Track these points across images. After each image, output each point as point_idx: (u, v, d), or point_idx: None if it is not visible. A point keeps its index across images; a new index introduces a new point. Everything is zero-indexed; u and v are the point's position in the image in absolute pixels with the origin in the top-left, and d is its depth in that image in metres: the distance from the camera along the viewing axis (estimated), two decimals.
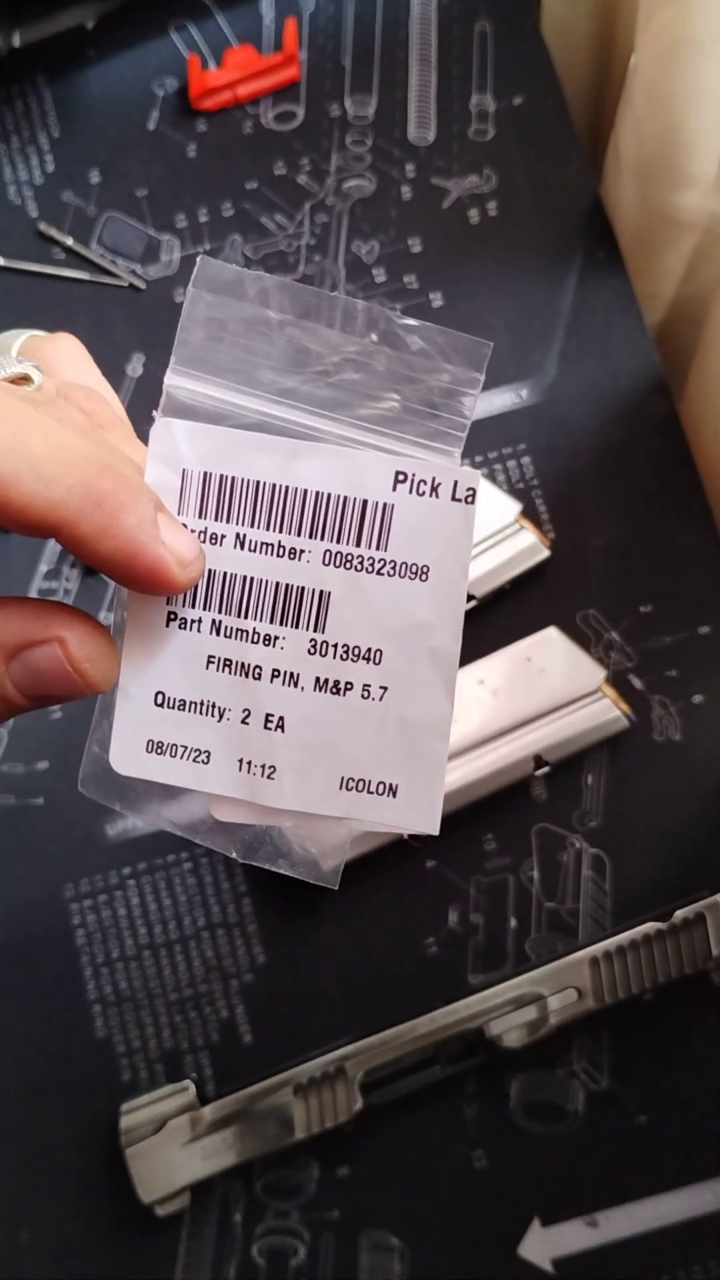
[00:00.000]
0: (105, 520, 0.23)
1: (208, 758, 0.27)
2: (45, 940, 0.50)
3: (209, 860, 0.50)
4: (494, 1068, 0.48)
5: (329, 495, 0.25)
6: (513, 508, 0.50)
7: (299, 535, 0.25)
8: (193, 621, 0.26)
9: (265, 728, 0.26)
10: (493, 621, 0.51)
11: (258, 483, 0.25)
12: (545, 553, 0.50)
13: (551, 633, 0.50)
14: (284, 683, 0.26)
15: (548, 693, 0.49)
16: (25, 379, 0.26)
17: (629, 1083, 0.48)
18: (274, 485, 0.25)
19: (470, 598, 0.50)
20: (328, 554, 0.25)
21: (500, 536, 0.50)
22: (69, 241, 0.57)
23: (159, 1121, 0.46)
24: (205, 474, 0.25)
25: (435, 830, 0.26)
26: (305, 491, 0.25)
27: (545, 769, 0.48)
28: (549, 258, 0.56)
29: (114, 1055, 0.49)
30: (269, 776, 0.27)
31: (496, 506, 0.51)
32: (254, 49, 0.58)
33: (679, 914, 0.46)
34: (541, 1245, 0.47)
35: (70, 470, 0.22)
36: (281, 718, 0.26)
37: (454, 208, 0.57)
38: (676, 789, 0.50)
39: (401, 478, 0.25)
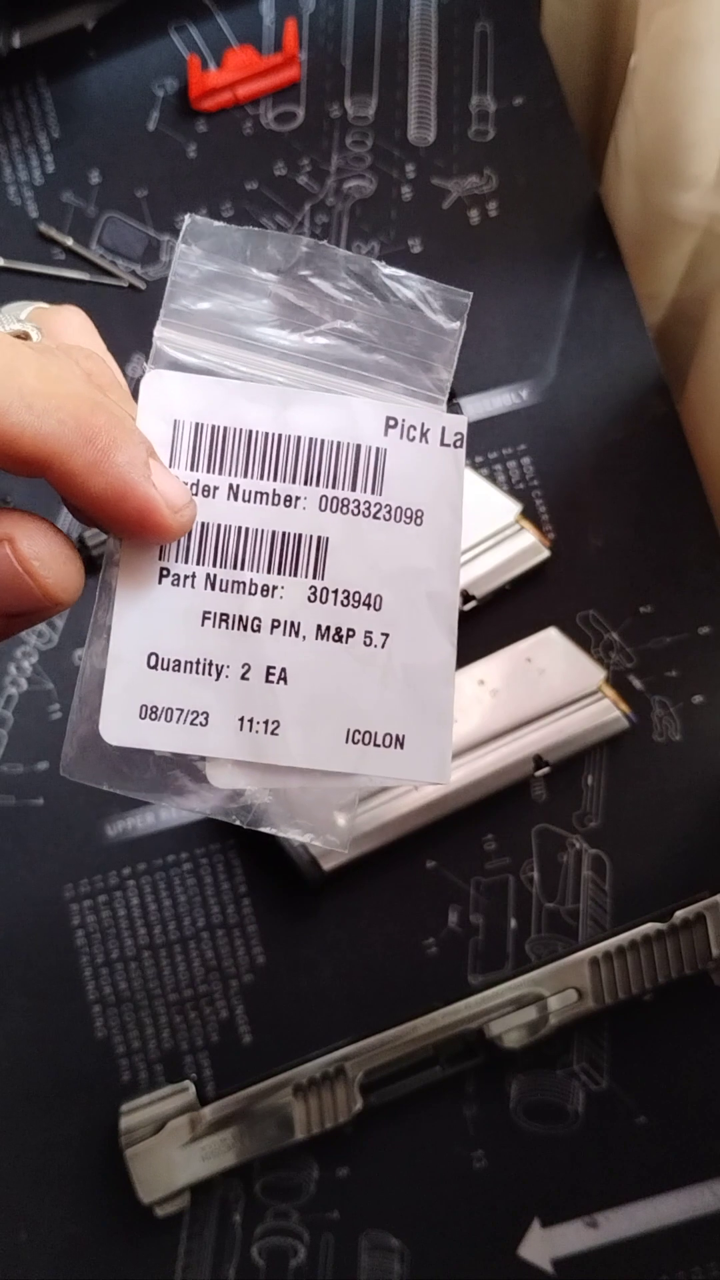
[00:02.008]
0: (96, 456, 0.22)
1: (206, 719, 0.26)
2: (45, 941, 0.50)
3: (209, 860, 0.50)
4: (494, 1068, 0.48)
5: (323, 441, 0.26)
6: (513, 508, 0.50)
7: (294, 482, 0.26)
8: (186, 577, 0.26)
9: (267, 681, 0.26)
10: (493, 621, 0.51)
11: (250, 432, 0.25)
12: (545, 553, 0.50)
13: (551, 633, 0.50)
14: (285, 632, 0.26)
15: (548, 693, 0.49)
16: (25, 336, 0.26)
17: (629, 1083, 0.48)
18: (267, 434, 0.25)
19: (470, 598, 0.50)
20: (324, 499, 0.26)
21: (500, 536, 0.50)
22: (69, 242, 0.57)
23: (159, 1122, 0.46)
24: (197, 425, 0.26)
25: (446, 780, 0.26)
26: (299, 439, 0.26)
27: (545, 769, 0.48)
28: (549, 258, 0.56)
29: (114, 1056, 0.49)
30: (273, 733, 0.26)
31: (496, 506, 0.51)
32: (254, 49, 0.58)
33: (679, 914, 0.46)
34: (541, 1245, 0.47)
35: (63, 404, 0.22)
36: (284, 669, 0.26)
37: (454, 208, 0.57)
38: (676, 789, 0.50)
39: (392, 423, 0.26)
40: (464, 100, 0.58)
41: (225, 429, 0.25)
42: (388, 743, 0.26)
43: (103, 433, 0.22)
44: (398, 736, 0.26)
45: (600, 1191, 0.47)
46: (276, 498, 0.26)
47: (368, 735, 0.26)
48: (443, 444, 0.26)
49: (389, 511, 0.26)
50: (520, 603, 0.51)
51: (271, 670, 0.26)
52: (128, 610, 0.26)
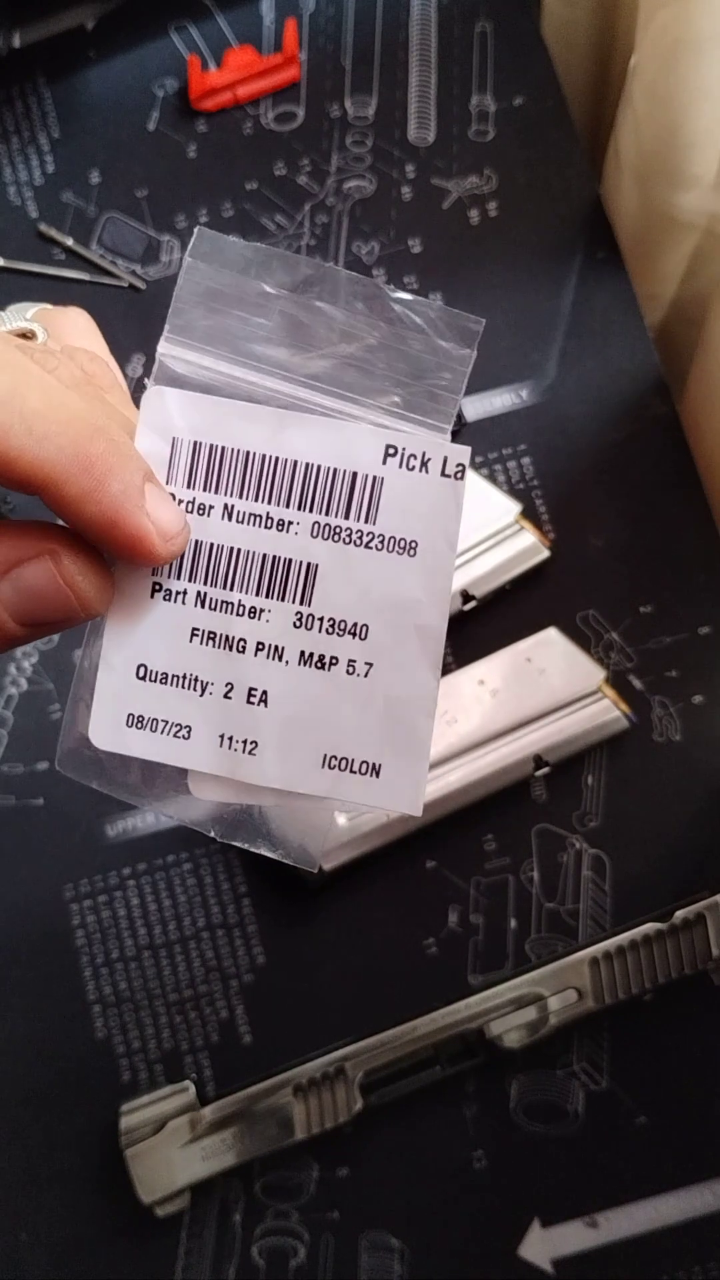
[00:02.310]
0: (91, 485, 0.22)
1: (189, 733, 0.26)
2: (45, 940, 0.50)
3: (209, 861, 0.50)
4: (494, 1068, 0.48)
5: (318, 467, 0.25)
6: (513, 508, 0.50)
7: (287, 507, 0.25)
8: (178, 593, 0.26)
9: (248, 702, 0.26)
10: (493, 621, 0.51)
11: (247, 453, 0.25)
12: (545, 553, 0.50)
13: (551, 633, 0.50)
14: (268, 656, 0.26)
15: (548, 693, 0.49)
16: (30, 335, 0.26)
17: (629, 1083, 0.48)
18: (263, 456, 0.25)
19: (470, 598, 0.50)
20: (316, 526, 0.25)
21: (500, 536, 0.50)
22: (69, 242, 0.57)
23: (159, 1122, 0.46)
24: (195, 444, 0.25)
25: (418, 813, 0.26)
26: (295, 463, 0.25)
27: (545, 769, 0.48)
28: (549, 258, 0.56)
29: (114, 1056, 0.49)
30: (250, 752, 0.26)
31: (496, 506, 0.51)
32: (254, 50, 0.58)
33: (679, 914, 0.46)
34: (541, 1245, 0.47)
35: (63, 430, 0.22)
36: (265, 692, 0.26)
37: (454, 208, 0.57)
38: (676, 789, 0.50)
39: (392, 451, 0.25)
40: (464, 100, 0.58)
41: (223, 449, 0.25)
42: (364, 770, 0.26)
43: (99, 461, 0.22)
44: (374, 765, 0.26)
45: (600, 1191, 0.47)
46: (269, 521, 0.25)
47: (344, 761, 0.26)
48: (443, 475, 0.25)
49: (382, 541, 0.25)
50: (520, 603, 0.51)
51: (253, 692, 0.26)
52: (120, 622, 0.26)
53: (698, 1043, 0.48)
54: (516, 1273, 0.46)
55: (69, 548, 0.23)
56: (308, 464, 0.25)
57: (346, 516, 0.25)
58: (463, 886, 0.50)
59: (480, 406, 0.54)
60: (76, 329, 0.28)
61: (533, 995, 0.46)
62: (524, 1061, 0.48)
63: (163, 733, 0.26)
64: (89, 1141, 0.48)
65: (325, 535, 0.25)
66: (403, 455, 0.25)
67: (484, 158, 0.57)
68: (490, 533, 0.50)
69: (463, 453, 0.25)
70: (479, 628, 0.51)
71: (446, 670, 0.50)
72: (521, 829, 0.50)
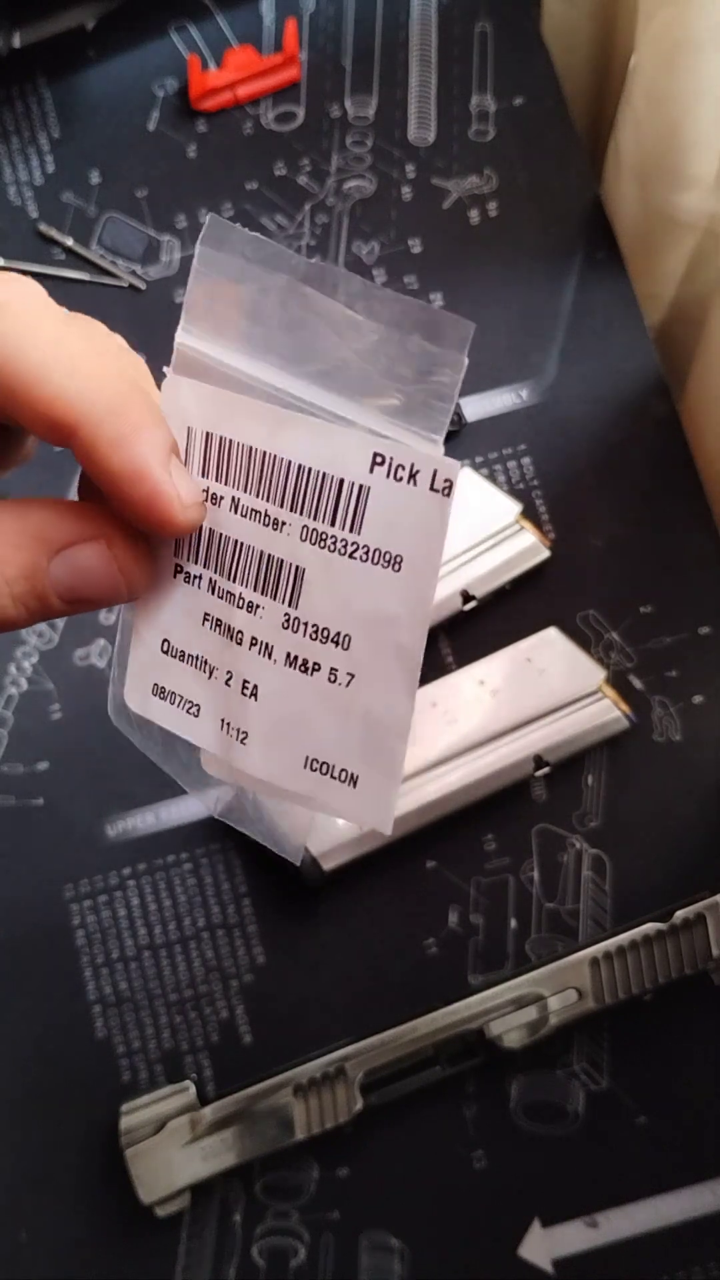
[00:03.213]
0: (124, 431, 0.23)
1: (197, 711, 0.27)
2: (45, 940, 0.50)
3: (209, 860, 0.50)
4: (494, 1068, 0.48)
5: (309, 470, 0.25)
6: (513, 508, 0.50)
7: (281, 506, 0.25)
8: (195, 577, 0.26)
9: (242, 693, 0.26)
10: (493, 621, 0.51)
11: (250, 449, 0.25)
12: (545, 553, 0.50)
13: (551, 633, 0.50)
14: (259, 652, 0.26)
15: (548, 693, 0.49)
16: None
17: (629, 1083, 0.48)
18: (264, 454, 0.25)
19: (470, 598, 0.50)
20: (305, 529, 0.25)
21: (500, 536, 0.50)
22: (69, 242, 0.57)
23: (159, 1122, 0.46)
24: (207, 434, 0.25)
25: (388, 831, 0.26)
26: (289, 463, 0.25)
27: (545, 769, 0.48)
28: (549, 258, 0.56)
29: (114, 1056, 0.49)
30: (242, 741, 0.27)
31: (496, 506, 0.51)
32: (254, 49, 0.58)
33: (679, 914, 0.46)
34: (541, 1245, 0.47)
35: (103, 379, 0.22)
36: (256, 686, 0.26)
37: (454, 208, 0.57)
38: (676, 789, 0.50)
39: (379, 460, 0.24)
40: (464, 100, 0.58)
41: (231, 442, 0.25)
42: (343, 778, 0.26)
43: (135, 412, 0.23)
44: (353, 775, 0.26)
45: (600, 1191, 0.47)
46: (267, 519, 0.25)
47: (325, 766, 0.26)
48: (432, 489, 0.24)
49: (366, 553, 0.24)
50: (520, 603, 0.51)
51: (246, 684, 0.26)
52: (148, 598, 0.27)
53: (698, 1043, 0.48)
54: (516, 1273, 0.46)
55: (121, 533, 0.24)
56: (300, 466, 0.25)
57: (333, 523, 0.25)
58: (463, 886, 0.50)
59: (480, 406, 0.54)
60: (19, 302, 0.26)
61: (533, 995, 0.46)
62: (524, 1061, 0.48)
63: (178, 706, 0.27)
64: (89, 1141, 0.48)
65: (313, 540, 0.25)
66: (390, 465, 0.24)
67: (484, 158, 0.57)
68: (490, 533, 0.50)
69: (451, 467, 0.23)
70: (479, 628, 0.51)
71: (446, 670, 0.50)
72: (522, 829, 0.50)
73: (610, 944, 0.46)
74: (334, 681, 0.25)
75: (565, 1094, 0.48)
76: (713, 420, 0.53)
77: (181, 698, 0.27)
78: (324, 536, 0.25)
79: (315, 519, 0.25)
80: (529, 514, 0.52)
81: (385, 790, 0.26)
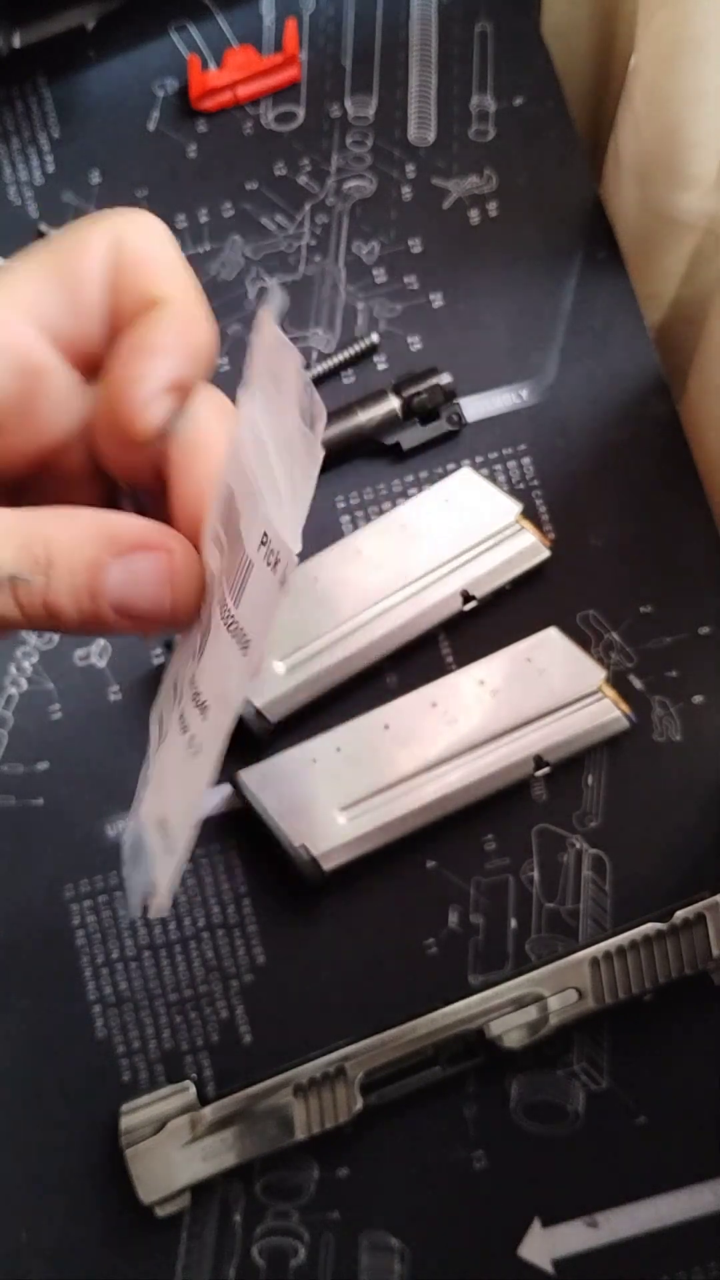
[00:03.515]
0: (183, 326, 0.25)
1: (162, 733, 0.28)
2: (45, 940, 0.50)
3: (209, 860, 0.50)
4: (494, 1068, 0.48)
5: (240, 534, 0.23)
6: (513, 508, 0.50)
7: (223, 558, 0.25)
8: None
9: (161, 732, 0.27)
10: (493, 621, 0.51)
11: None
12: (545, 553, 0.50)
13: (551, 633, 0.50)
14: (176, 694, 0.26)
15: (548, 693, 0.49)
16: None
17: (629, 1083, 0.48)
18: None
19: (470, 598, 0.50)
20: (221, 589, 0.24)
21: (500, 536, 0.50)
22: None
23: (159, 1122, 0.46)
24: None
25: (156, 914, 0.26)
26: (238, 530, 0.24)
27: (545, 769, 0.48)
28: (549, 258, 0.56)
29: (114, 1056, 0.49)
30: (148, 775, 0.27)
31: (496, 506, 0.51)
32: (254, 49, 0.58)
33: (679, 914, 0.46)
34: (541, 1245, 0.47)
35: (193, 288, 0.26)
36: (168, 730, 0.26)
37: (454, 208, 0.57)
38: (676, 789, 0.50)
39: (264, 540, 0.22)
40: (464, 100, 0.58)
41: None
42: (166, 843, 0.26)
43: (198, 332, 0.25)
44: (171, 844, 0.26)
45: (600, 1191, 0.47)
46: (220, 565, 0.25)
47: (165, 825, 0.26)
48: (282, 583, 0.22)
49: (235, 629, 0.23)
50: (520, 603, 0.51)
51: (169, 720, 0.27)
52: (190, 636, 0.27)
53: (698, 1043, 0.48)
54: (516, 1273, 0.46)
55: (183, 549, 0.24)
56: (237, 530, 0.23)
57: (230, 589, 0.24)
58: (463, 886, 0.50)
59: (480, 406, 0.54)
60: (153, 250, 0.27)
61: (533, 995, 0.46)
62: (524, 1061, 0.48)
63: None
64: (89, 1141, 0.48)
65: (219, 600, 0.24)
66: (269, 547, 0.22)
67: (484, 158, 0.57)
68: (490, 533, 0.50)
69: (291, 558, 0.21)
70: (479, 628, 0.51)
71: (446, 670, 0.50)
72: (521, 829, 0.50)
73: (610, 944, 0.46)
74: (190, 748, 0.25)
75: (565, 1094, 0.48)
76: (713, 420, 0.53)
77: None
78: (224, 601, 0.24)
79: (229, 582, 0.24)
80: (529, 514, 0.52)
81: (165, 867, 0.25)
